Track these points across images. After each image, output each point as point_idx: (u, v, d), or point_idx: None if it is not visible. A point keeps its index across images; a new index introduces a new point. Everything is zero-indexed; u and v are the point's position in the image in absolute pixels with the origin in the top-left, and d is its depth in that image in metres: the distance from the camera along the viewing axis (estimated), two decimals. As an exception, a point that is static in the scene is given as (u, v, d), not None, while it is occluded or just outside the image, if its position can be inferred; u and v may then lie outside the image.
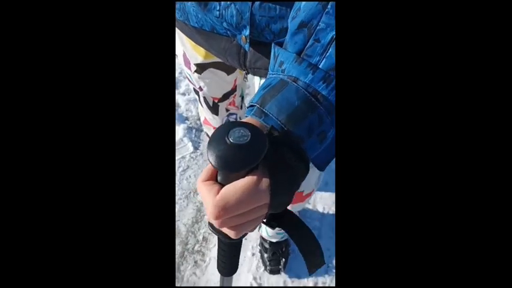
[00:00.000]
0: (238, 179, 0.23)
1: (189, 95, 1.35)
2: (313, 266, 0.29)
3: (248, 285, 0.91)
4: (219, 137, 0.22)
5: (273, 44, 0.30)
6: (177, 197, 1.07)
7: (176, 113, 1.28)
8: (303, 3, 0.27)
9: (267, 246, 0.92)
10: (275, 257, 0.91)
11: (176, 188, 1.09)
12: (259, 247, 0.96)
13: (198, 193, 1.09)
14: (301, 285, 0.92)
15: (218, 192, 0.23)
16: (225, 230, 0.25)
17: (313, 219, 1.03)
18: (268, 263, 0.92)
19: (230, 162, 0.21)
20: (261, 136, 0.22)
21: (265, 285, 0.92)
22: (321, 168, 0.29)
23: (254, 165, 0.22)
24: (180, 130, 1.24)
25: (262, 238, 0.95)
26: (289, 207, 0.74)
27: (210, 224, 0.27)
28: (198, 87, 0.67)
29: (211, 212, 0.23)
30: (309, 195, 0.65)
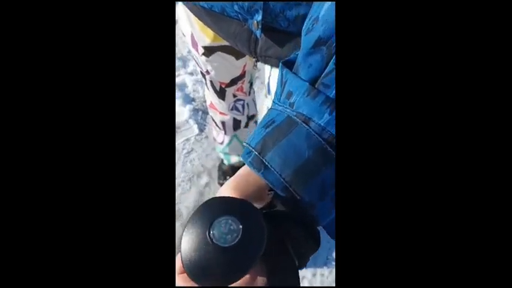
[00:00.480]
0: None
1: (196, 75, 1.31)
2: None
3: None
4: (198, 230, 0.17)
5: (280, 64, 0.24)
6: (179, 180, 1.07)
7: (183, 93, 1.25)
8: (322, 11, 0.21)
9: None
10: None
11: (179, 171, 1.09)
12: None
13: (201, 177, 1.08)
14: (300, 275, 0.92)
15: None
16: None
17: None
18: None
19: (208, 273, 0.16)
20: (256, 230, 0.17)
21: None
22: (333, 236, 0.22)
23: (242, 276, 0.17)
24: (185, 111, 1.21)
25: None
26: None
27: None
28: (205, 70, 0.63)
29: None
30: None
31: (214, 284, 0.17)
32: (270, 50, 0.39)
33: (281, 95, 0.22)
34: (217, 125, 0.85)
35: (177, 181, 1.06)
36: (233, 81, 0.65)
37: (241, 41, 0.41)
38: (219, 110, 0.78)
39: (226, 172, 1.01)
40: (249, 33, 0.39)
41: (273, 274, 0.18)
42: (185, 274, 0.19)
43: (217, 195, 0.21)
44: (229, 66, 0.60)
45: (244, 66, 0.62)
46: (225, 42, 0.53)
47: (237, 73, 0.63)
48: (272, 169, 0.19)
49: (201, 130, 1.18)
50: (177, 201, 1.02)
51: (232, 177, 0.22)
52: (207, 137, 1.17)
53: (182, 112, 1.21)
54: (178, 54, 1.34)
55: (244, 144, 0.22)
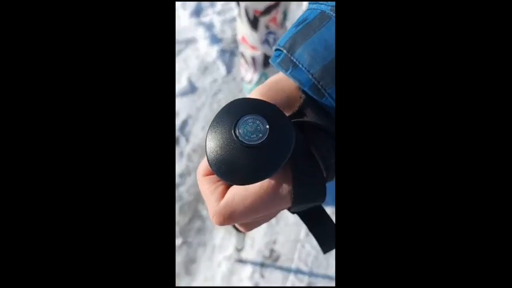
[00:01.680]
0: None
1: (224, 15, 1.27)
2: (327, 249, 0.24)
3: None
4: (223, 128, 0.16)
5: None
6: (208, 118, 1.10)
7: (211, 33, 1.23)
8: None
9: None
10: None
11: (207, 111, 1.11)
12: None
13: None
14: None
15: (223, 195, 0.18)
16: None
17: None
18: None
19: (236, 171, 0.15)
20: (284, 130, 0.16)
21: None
22: None
23: (272, 174, 0.16)
24: (213, 52, 1.20)
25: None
26: None
27: None
28: (239, -4, 0.61)
29: (213, 218, 0.18)
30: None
31: (238, 183, 0.17)
32: None
33: None
34: (246, 62, 0.85)
35: (205, 119, 1.10)
36: (268, 10, 0.63)
37: None
38: (250, 43, 0.77)
39: (253, 113, 1.02)
40: None
41: (299, 182, 0.17)
42: (209, 176, 0.19)
43: None
44: (265, -10, 0.57)
45: (281, -10, 0.59)
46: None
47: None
48: (300, 66, 0.18)
49: (228, 72, 1.18)
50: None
51: (261, 85, 0.20)
52: (234, 78, 1.17)
53: (210, 52, 1.20)
54: (206, -8, 1.29)
55: (274, 48, 0.21)
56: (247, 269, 0.91)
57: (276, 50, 0.20)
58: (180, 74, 1.17)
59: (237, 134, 0.15)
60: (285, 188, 0.17)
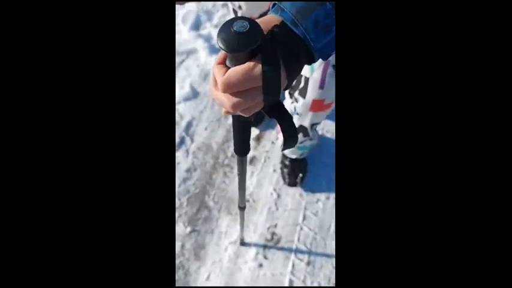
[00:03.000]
0: (241, 62, 0.28)
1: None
2: (288, 146, 0.34)
3: (269, 194, 1.08)
4: (226, 27, 0.27)
5: None
6: (210, 119, 1.21)
7: (209, 44, 1.36)
8: None
9: (287, 162, 1.06)
10: (293, 172, 1.05)
11: (209, 113, 1.22)
12: (280, 165, 1.11)
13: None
14: (315, 198, 1.07)
15: (225, 73, 0.28)
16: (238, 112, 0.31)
17: (331, 146, 1.14)
18: (287, 177, 1.06)
19: (233, 45, 0.26)
20: (257, 27, 0.27)
21: (283, 195, 1.08)
22: (324, 58, 0.32)
23: (250, 48, 0.27)
24: (212, 60, 1.32)
25: (283, 155, 1.08)
26: (311, 115, 0.82)
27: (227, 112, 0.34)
28: (237, 6, 0.73)
29: (220, 87, 0.28)
30: (330, 105, 0.71)
31: (232, 51, 0.27)
32: None
33: None
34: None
35: (208, 120, 1.21)
36: (261, 16, 0.76)
37: None
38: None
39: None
40: None
41: (265, 65, 0.27)
42: (219, 65, 0.29)
43: None
44: (259, 1, 0.70)
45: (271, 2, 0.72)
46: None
47: (265, 7, 0.73)
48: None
49: (227, 78, 1.30)
50: (209, 137, 1.17)
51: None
52: (232, 83, 1.29)
53: (209, 61, 1.32)
54: (204, 8, 1.43)
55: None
56: (251, 252, 0.99)
57: (272, 6, 0.32)
58: (183, 81, 1.28)
59: (233, 28, 0.27)
60: (258, 68, 0.27)
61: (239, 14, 0.77)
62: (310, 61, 0.32)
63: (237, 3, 0.72)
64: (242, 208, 0.74)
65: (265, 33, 0.28)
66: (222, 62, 0.30)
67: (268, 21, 0.30)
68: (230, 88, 0.28)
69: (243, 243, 0.98)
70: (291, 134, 0.33)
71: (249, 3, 0.71)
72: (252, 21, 0.27)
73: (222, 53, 0.30)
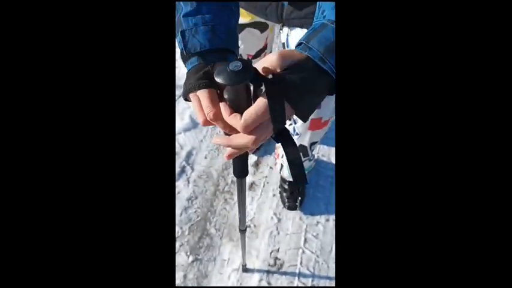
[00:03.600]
0: (239, 94, 0.32)
1: (218, 63, 1.50)
2: (296, 176, 0.37)
3: (269, 219, 1.10)
4: (223, 68, 0.32)
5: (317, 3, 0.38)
6: (209, 148, 1.26)
7: (207, 78, 1.44)
8: None
9: (286, 186, 1.09)
10: (293, 196, 1.08)
11: (208, 142, 1.27)
12: (279, 189, 1.14)
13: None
14: (315, 221, 1.10)
15: (238, 118, 0.32)
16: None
17: (327, 169, 1.19)
18: (286, 201, 1.09)
19: (228, 79, 0.31)
20: (248, 65, 0.31)
21: (284, 219, 1.10)
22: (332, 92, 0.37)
23: (245, 82, 0.32)
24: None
25: (282, 179, 1.12)
26: (310, 133, 0.87)
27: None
28: (235, 45, 0.82)
29: (241, 130, 0.32)
30: (327, 122, 0.75)
31: (230, 84, 0.31)
32: (293, 14, 0.57)
33: (318, 15, 0.37)
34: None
35: (207, 149, 1.25)
36: (258, 53, 0.84)
37: (271, 11, 0.59)
38: (244, 81, 0.96)
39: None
40: (277, 4, 0.57)
41: (270, 99, 0.32)
42: (230, 117, 0.33)
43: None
44: (255, 39, 0.78)
45: (266, 38, 0.80)
46: (254, 19, 0.71)
47: (261, 45, 0.81)
48: (314, 48, 0.33)
49: (225, 108, 1.37)
50: (208, 165, 1.21)
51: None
52: (230, 113, 1.35)
53: (208, 94, 1.40)
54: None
55: (298, 43, 0.36)
56: (255, 278, 0.99)
57: (298, 45, 0.35)
58: (183, 113, 1.35)
59: (229, 68, 0.32)
60: (265, 104, 0.32)
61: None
62: (332, 92, 0.36)
63: (235, 42, 0.80)
64: (243, 231, 0.77)
65: (287, 63, 0.33)
66: (230, 112, 0.34)
67: (291, 54, 0.34)
68: (249, 127, 0.32)
69: (245, 269, 0.99)
70: (294, 156, 0.37)
71: (247, 41, 0.79)
72: (243, 61, 0.32)
73: (224, 107, 0.34)
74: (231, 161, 0.44)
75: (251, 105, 0.34)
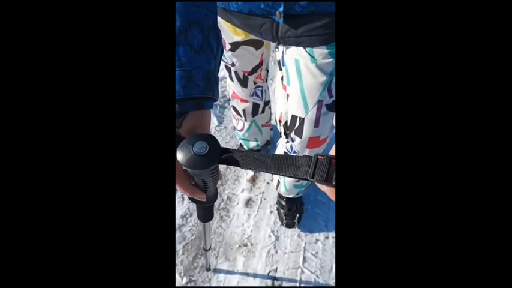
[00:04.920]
0: (205, 176, 0.31)
1: (213, 75, 1.48)
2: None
3: (267, 237, 1.07)
4: (186, 147, 0.30)
5: None
6: (204, 163, 1.23)
7: (202, 91, 1.43)
8: None
9: (283, 203, 1.07)
10: (290, 213, 1.06)
11: (203, 157, 1.25)
12: (276, 205, 1.11)
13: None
14: (314, 238, 1.06)
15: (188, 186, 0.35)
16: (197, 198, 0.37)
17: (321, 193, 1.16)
18: (284, 218, 1.06)
19: (190, 165, 0.30)
20: (215, 149, 0.30)
21: (282, 237, 1.07)
22: None
23: (208, 169, 0.30)
24: (206, 106, 1.38)
25: (279, 196, 1.09)
26: (308, 151, 0.86)
27: (191, 199, 0.40)
28: (230, 63, 0.80)
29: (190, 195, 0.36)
30: (324, 140, 0.74)
31: (195, 170, 0.30)
32: (288, 32, 0.56)
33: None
34: (238, 113, 1.02)
35: (202, 164, 1.22)
36: (254, 69, 0.82)
37: (266, 30, 0.57)
38: (241, 97, 0.94)
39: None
40: (271, 22, 0.56)
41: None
42: (181, 175, 0.33)
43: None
44: (250, 56, 0.77)
45: (262, 55, 0.79)
46: (249, 37, 0.70)
47: (256, 62, 0.80)
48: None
49: (220, 122, 1.35)
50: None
51: None
52: (225, 127, 1.33)
53: (203, 107, 1.38)
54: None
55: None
56: (253, 301, 0.95)
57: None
58: (178, 127, 1.32)
59: (193, 150, 0.30)
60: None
61: (232, 71, 0.84)
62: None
63: (230, 60, 0.79)
64: (207, 250, 0.83)
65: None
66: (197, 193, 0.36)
67: None
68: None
69: (208, 269, 0.96)
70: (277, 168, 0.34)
71: (242, 59, 0.78)
72: (210, 141, 0.30)
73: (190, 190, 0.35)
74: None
75: (217, 180, 0.34)
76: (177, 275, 0.98)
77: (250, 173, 1.20)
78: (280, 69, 0.68)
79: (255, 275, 0.99)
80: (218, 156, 0.30)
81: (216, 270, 1.00)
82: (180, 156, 0.30)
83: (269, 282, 0.98)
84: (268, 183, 1.18)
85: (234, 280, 0.98)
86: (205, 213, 0.49)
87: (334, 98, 0.64)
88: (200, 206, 0.46)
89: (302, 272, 1.00)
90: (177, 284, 0.97)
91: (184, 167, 0.30)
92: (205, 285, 0.94)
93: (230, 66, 0.81)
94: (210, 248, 0.82)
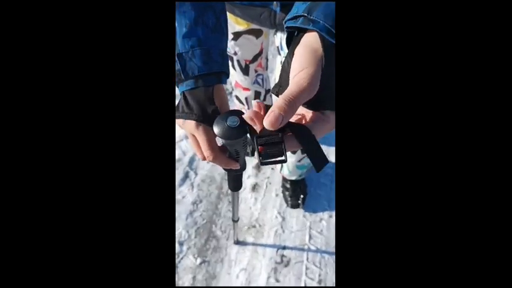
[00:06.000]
0: (236, 145, 0.35)
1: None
2: (319, 165, 0.35)
3: (274, 218, 1.13)
4: (221, 121, 0.34)
5: None
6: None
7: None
8: None
9: (287, 185, 1.13)
10: (295, 194, 1.12)
11: (210, 147, 1.31)
12: (281, 188, 1.17)
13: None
14: (318, 218, 1.12)
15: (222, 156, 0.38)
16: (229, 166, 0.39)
17: (328, 167, 1.22)
18: (289, 199, 1.12)
19: (226, 136, 0.34)
20: (245, 122, 0.32)
21: (288, 218, 1.13)
22: None
23: (240, 139, 0.34)
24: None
25: (283, 179, 1.15)
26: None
27: (225, 170, 0.45)
28: (233, 52, 0.86)
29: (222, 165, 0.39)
30: None
31: (226, 140, 0.34)
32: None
33: None
34: (241, 102, 1.08)
35: (209, 154, 1.29)
36: (255, 58, 0.88)
37: (265, 18, 0.64)
38: (243, 86, 1.01)
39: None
40: (269, 11, 0.62)
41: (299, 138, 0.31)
42: (212, 148, 0.37)
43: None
44: (251, 45, 0.83)
45: (262, 43, 0.85)
46: (249, 27, 0.76)
47: (257, 50, 0.86)
48: (319, 20, 0.28)
49: (224, 114, 1.41)
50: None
51: (298, 52, 0.30)
52: (229, 119, 1.39)
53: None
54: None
55: (288, 18, 0.32)
56: (263, 276, 1.01)
57: (291, 19, 0.31)
58: (184, 121, 1.39)
59: (226, 123, 0.34)
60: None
61: (234, 60, 0.90)
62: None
63: (232, 49, 0.85)
64: (236, 221, 0.87)
65: (318, 59, 0.28)
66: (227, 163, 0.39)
67: (311, 49, 0.29)
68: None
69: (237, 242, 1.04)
70: (314, 152, 0.34)
71: (244, 47, 0.84)
72: (240, 117, 0.33)
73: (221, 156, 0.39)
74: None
75: (246, 150, 0.38)
76: (191, 257, 1.05)
77: (255, 160, 1.26)
78: (279, 54, 0.74)
79: (264, 254, 1.05)
80: (247, 127, 0.34)
81: (228, 251, 1.06)
82: (216, 129, 0.35)
83: (278, 259, 1.04)
84: (272, 168, 1.24)
85: (245, 259, 1.04)
86: (236, 181, 0.54)
87: None
88: (232, 174, 0.51)
89: (309, 248, 1.06)
90: (191, 265, 1.03)
91: (220, 138, 0.35)
92: (207, 286, 1.00)
93: (233, 55, 0.87)
94: (238, 219, 0.88)
